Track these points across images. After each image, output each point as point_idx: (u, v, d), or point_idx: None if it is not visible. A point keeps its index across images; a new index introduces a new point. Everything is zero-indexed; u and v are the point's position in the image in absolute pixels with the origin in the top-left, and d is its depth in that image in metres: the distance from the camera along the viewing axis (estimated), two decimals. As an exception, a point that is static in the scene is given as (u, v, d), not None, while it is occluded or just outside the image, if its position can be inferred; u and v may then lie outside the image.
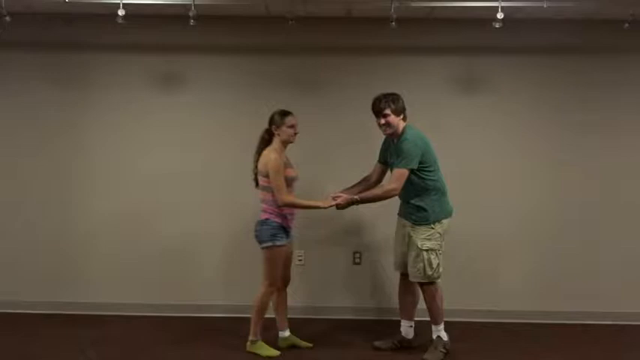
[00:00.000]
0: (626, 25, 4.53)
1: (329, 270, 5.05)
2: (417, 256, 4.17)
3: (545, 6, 4.35)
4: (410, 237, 4.23)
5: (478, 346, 4.46)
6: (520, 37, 4.92)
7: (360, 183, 4.42)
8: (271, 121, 4.21)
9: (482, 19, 4.47)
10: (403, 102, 4.20)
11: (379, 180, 4.42)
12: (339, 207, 4.20)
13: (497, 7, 4.23)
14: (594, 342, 4.62)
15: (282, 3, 4.50)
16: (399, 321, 4.47)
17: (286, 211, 4.19)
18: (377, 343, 4.44)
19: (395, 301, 4.60)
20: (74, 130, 5.05)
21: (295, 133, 4.22)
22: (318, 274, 4.93)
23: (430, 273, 4.16)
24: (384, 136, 4.36)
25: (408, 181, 4.14)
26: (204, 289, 5.09)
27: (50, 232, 5.07)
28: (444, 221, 4.23)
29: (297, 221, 5.04)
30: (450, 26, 4.94)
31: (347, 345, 4.47)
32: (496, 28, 4.26)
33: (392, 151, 4.27)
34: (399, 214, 4.41)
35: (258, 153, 4.23)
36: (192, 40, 4.92)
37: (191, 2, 4.34)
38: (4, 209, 5.08)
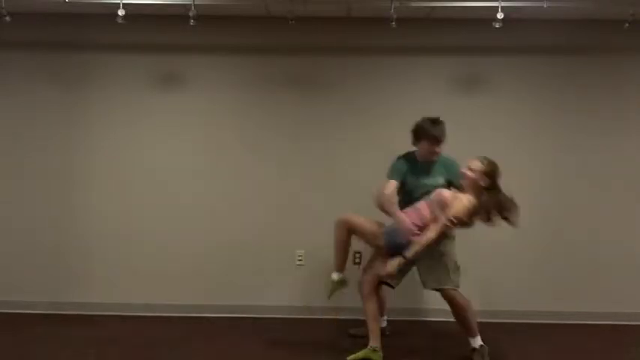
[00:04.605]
0: (626, 25, 4.52)
1: (329, 270, 5.03)
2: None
3: (545, 6, 4.36)
4: None
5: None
6: (520, 37, 4.92)
7: None
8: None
9: (482, 19, 4.47)
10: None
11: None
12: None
13: (497, 7, 4.23)
14: (594, 342, 4.62)
15: (282, 3, 4.49)
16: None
17: None
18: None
19: (395, 301, 4.66)
20: (74, 130, 5.05)
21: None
22: (318, 274, 4.92)
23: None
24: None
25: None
26: (204, 288, 5.08)
27: (50, 232, 5.06)
28: None
29: (297, 221, 5.06)
30: (450, 26, 4.93)
31: (347, 346, 4.47)
32: (496, 28, 4.27)
33: (423, 169, 4.28)
34: None
35: None
36: (192, 40, 4.92)
37: (191, 2, 4.35)
38: (4, 209, 5.07)
